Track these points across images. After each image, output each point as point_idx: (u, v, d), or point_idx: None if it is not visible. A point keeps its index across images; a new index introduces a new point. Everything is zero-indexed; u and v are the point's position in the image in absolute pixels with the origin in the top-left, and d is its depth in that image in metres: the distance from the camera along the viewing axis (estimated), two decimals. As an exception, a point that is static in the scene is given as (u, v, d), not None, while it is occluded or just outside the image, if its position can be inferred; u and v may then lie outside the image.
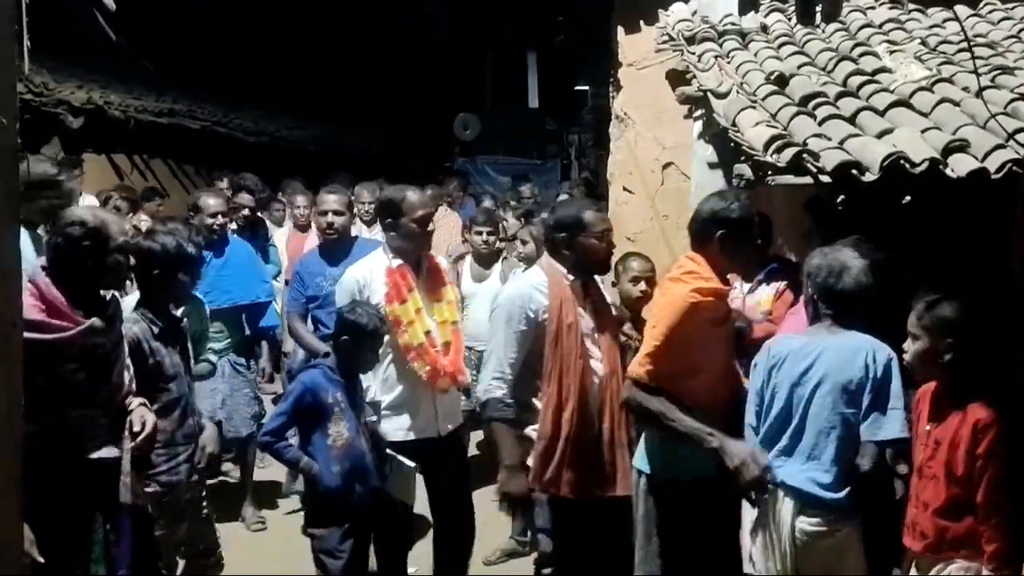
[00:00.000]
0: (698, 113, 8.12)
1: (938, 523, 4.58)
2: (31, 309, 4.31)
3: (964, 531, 4.53)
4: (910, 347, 4.71)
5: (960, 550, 4.56)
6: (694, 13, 9.09)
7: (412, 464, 6.24)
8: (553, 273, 5.80)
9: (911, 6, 9.34)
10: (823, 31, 8.69)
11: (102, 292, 4.92)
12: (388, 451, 6.24)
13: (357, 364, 6.12)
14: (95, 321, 4.70)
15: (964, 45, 7.80)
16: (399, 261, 6.38)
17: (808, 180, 5.96)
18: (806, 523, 4.84)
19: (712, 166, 7.97)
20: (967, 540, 4.53)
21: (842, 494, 4.81)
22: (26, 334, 4.25)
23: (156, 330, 5.68)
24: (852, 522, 4.87)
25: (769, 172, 6.06)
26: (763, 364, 5.12)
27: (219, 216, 8.28)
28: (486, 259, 9.27)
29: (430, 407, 6.40)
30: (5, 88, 2.84)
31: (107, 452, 4.84)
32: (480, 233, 9.22)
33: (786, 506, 4.89)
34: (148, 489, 5.46)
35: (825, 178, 5.87)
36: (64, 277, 4.59)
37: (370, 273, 6.40)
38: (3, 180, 2.82)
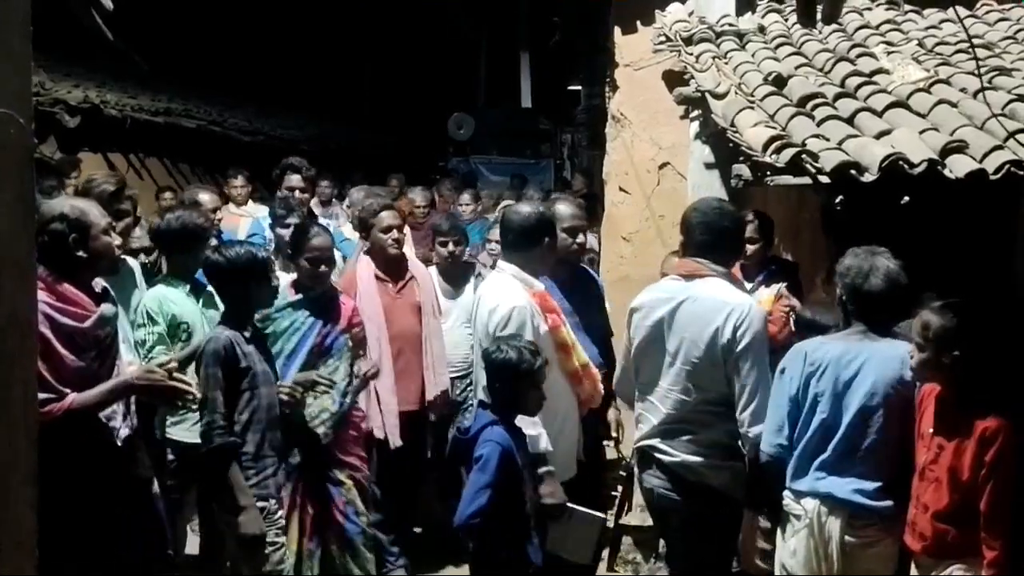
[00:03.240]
0: (695, 114, 8.14)
1: (937, 527, 4.55)
2: (44, 304, 4.34)
3: (963, 537, 4.49)
4: (916, 356, 4.63)
5: (959, 555, 4.53)
6: (691, 14, 9.11)
7: (601, 516, 5.61)
8: (733, 277, 5.47)
9: (907, 7, 9.38)
10: (820, 32, 8.72)
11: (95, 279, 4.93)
12: (568, 504, 5.48)
13: (521, 409, 5.32)
14: (106, 307, 4.75)
15: (961, 46, 7.84)
16: (542, 281, 5.79)
17: (807, 181, 6.00)
18: (857, 534, 4.83)
19: (709, 166, 7.99)
20: (966, 546, 4.50)
21: (889, 502, 4.80)
22: (45, 328, 4.33)
23: (247, 335, 5.59)
24: (896, 529, 4.84)
25: (768, 172, 6.09)
26: (798, 370, 5.03)
27: (218, 212, 8.37)
28: (452, 273, 8.24)
29: (577, 433, 5.88)
30: (21, 87, 2.86)
31: (124, 432, 4.88)
32: (445, 244, 8.11)
33: (832, 521, 4.86)
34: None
35: (824, 179, 5.90)
36: (61, 271, 4.60)
37: (527, 300, 5.62)
38: (19, 178, 2.84)
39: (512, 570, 5.18)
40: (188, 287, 6.12)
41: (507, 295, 5.62)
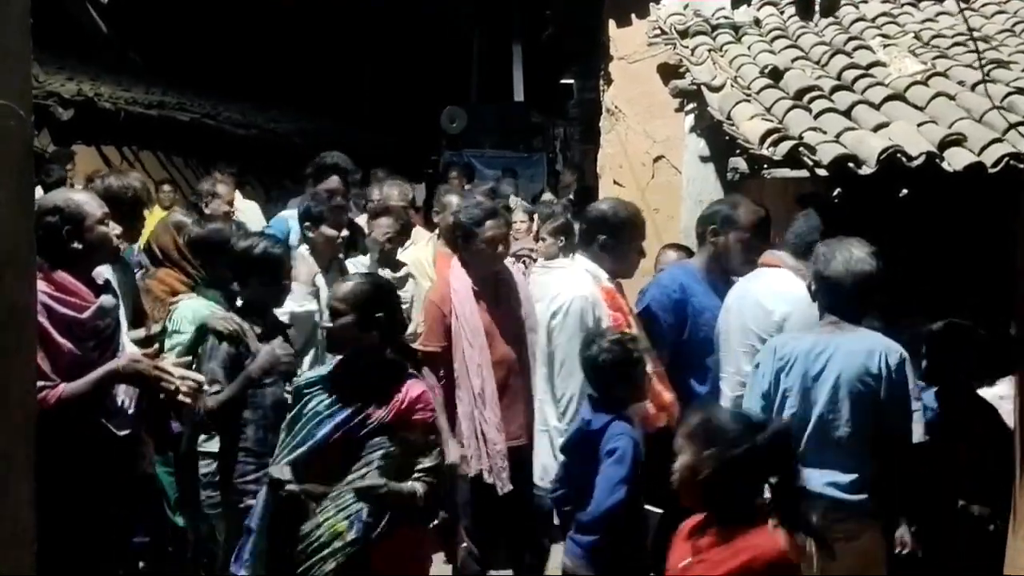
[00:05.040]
0: (690, 107, 8.15)
1: None
2: (42, 293, 4.30)
3: None
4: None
5: None
6: (686, 6, 9.11)
7: (657, 510, 5.22)
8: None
9: (903, 0, 9.38)
10: (816, 25, 8.72)
11: (96, 270, 4.91)
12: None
13: (635, 400, 5.18)
14: (106, 299, 4.76)
15: (958, 39, 7.85)
16: (608, 280, 5.61)
17: (804, 173, 5.99)
18: (832, 528, 4.61)
19: (703, 159, 8.02)
20: None
21: (864, 496, 4.73)
22: (43, 318, 4.31)
23: (259, 331, 5.44)
24: (876, 523, 4.80)
25: (765, 165, 6.08)
26: (769, 366, 4.97)
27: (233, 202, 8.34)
28: None
29: None
30: (21, 80, 2.85)
31: (130, 426, 4.86)
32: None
33: (808, 513, 4.80)
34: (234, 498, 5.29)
35: (822, 172, 5.90)
36: (58, 263, 4.60)
37: (591, 294, 5.48)
38: (19, 171, 2.83)
39: (635, 564, 5.05)
40: (222, 295, 5.96)
41: (570, 285, 5.52)
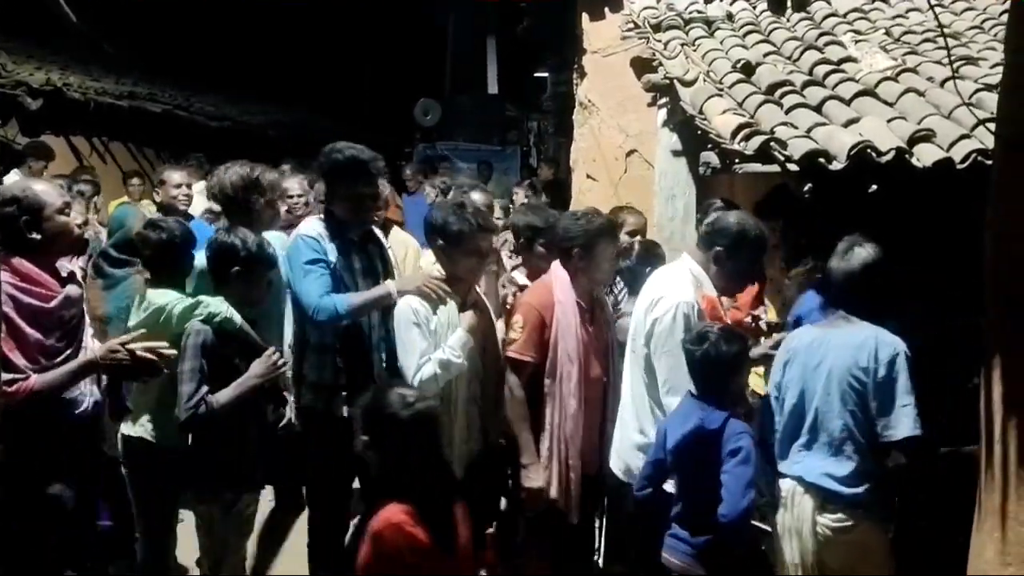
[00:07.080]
0: (662, 101, 8.14)
1: None
2: (7, 284, 4.33)
3: None
4: None
5: None
6: (659, 0, 9.13)
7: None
8: None
9: (874, -5, 9.43)
10: (788, 20, 8.75)
11: (61, 261, 4.84)
12: None
13: (735, 399, 5.01)
14: (71, 289, 4.73)
15: (928, 35, 7.88)
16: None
17: (775, 168, 6.01)
18: (827, 519, 4.75)
19: (676, 154, 8.00)
20: None
21: (861, 489, 4.71)
22: (9, 308, 4.30)
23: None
24: (874, 518, 4.78)
25: (736, 160, 6.09)
26: (780, 358, 5.04)
27: (183, 188, 7.98)
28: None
29: None
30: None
31: (91, 408, 4.83)
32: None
33: (806, 502, 4.81)
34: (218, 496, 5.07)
35: (792, 167, 5.91)
36: (20, 253, 4.57)
37: (695, 297, 5.20)
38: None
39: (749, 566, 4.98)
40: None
41: (675, 288, 5.24)
